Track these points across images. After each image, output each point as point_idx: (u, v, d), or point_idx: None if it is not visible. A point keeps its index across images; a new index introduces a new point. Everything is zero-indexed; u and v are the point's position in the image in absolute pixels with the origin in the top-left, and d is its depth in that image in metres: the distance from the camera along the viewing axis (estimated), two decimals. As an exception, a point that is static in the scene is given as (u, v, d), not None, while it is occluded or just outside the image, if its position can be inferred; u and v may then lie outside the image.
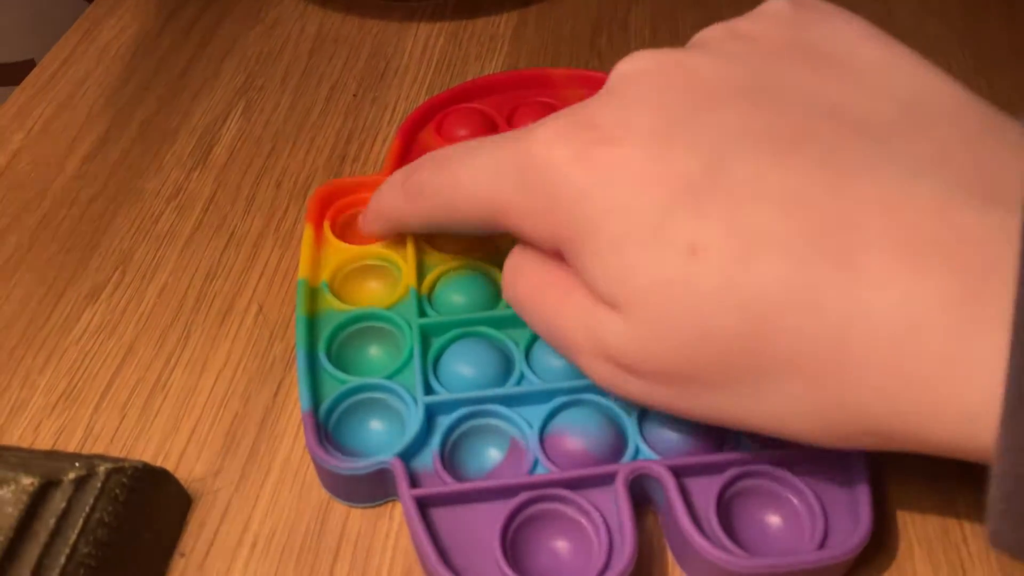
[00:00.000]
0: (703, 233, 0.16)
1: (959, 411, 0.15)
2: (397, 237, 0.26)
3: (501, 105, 0.31)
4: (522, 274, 0.20)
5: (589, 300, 0.18)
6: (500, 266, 0.25)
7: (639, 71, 0.19)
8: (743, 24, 0.20)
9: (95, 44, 0.37)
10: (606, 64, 0.34)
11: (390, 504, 0.22)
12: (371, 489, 0.21)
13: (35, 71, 0.36)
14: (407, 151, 0.29)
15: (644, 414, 0.22)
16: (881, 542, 0.21)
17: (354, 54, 0.36)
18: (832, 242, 0.16)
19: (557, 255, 0.19)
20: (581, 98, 0.31)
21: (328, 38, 0.37)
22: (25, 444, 0.23)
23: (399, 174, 0.23)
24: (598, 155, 0.18)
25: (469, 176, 0.20)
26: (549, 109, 0.31)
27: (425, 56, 0.35)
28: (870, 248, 0.15)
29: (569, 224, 0.18)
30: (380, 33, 0.37)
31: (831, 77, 0.18)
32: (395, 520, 0.21)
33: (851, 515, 0.20)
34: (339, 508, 0.22)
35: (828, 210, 0.16)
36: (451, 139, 0.29)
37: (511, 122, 0.30)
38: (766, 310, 0.16)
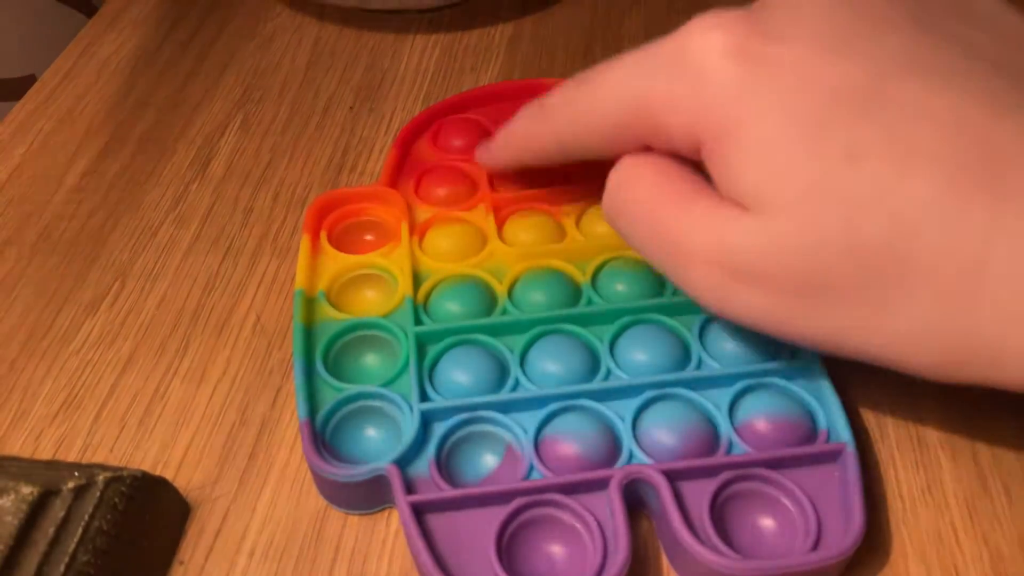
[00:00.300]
0: (863, 141, 0.17)
1: None
2: (393, 242, 0.26)
3: (496, 115, 0.31)
4: (638, 178, 0.20)
5: (720, 204, 0.18)
6: (494, 275, 0.25)
7: None
8: None
9: (95, 59, 0.37)
10: (600, 74, 0.35)
11: (387, 511, 0.22)
12: (368, 496, 0.21)
13: (36, 86, 0.36)
14: (403, 162, 0.29)
15: (637, 419, 0.22)
16: (874, 544, 0.21)
17: (350, 66, 0.36)
18: (984, 167, 0.16)
19: (690, 159, 0.19)
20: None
21: (325, 51, 0.37)
22: (26, 454, 0.23)
23: (536, 100, 0.23)
24: (763, 49, 0.18)
25: (615, 78, 0.20)
26: None
27: (421, 68, 0.36)
28: (1021, 176, 0.16)
29: (720, 118, 0.18)
30: (376, 45, 0.37)
31: (983, 31, 0.19)
32: (392, 527, 0.22)
33: (844, 517, 0.20)
34: (336, 515, 0.22)
35: (982, 137, 0.16)
36: (447, 149, 0.30)
37: None
38: (915, 222, 0.16)
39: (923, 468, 0.22)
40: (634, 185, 0.20)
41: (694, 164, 0.20)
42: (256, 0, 0.40)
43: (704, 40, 0.18)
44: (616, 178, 0.21)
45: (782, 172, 0.17)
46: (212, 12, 0.39)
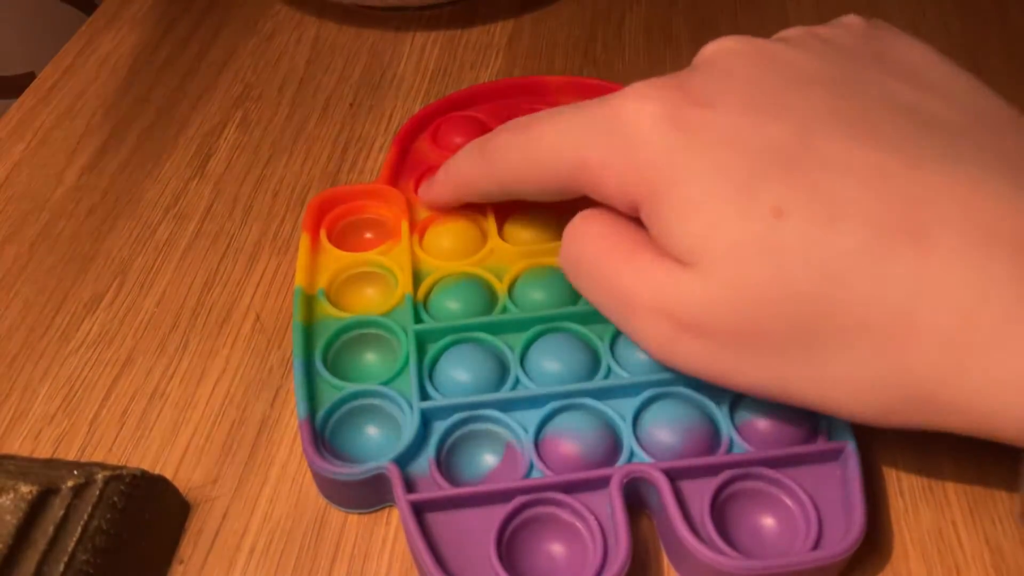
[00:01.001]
0: (788, 197, 0.17)
1: (1015, 379, 0.16)
2: (392, 240, 0.26)
3: (496, 113, 0.31)
4: (586, 235, 0.21)
5: (660, 258, 0.19)
6: (494, 273, 0.25)
7: (729, 50, 0.20)
8: (822, 29, 0.21)
9: (94, 56, 0.37)
10: (601, 72, 0.35)
11: (387, 510, 0.22)
12: (367, 495, 0.21)
13: (35, 83, 0.36)
14: (403, 159, 0.29)
15: (638, 417, 0.22)
16: (875, 542, 0.21)
17: (350, 64, 0.36)
18: (909, 217, 0.17)
19: (631, 215, 0.20)
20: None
21: (324, 48, 0.37)
22: (25, 453, 0.23)
23: (476, 142, 0.24)
24: (690, 115, 0.19)
25: (553, 133, 0.21)
26: None
27: (421, 65, 0.36)
28: (944, 226, 0.16)
29: (653, 180, 0.19)
30: (376, 43, 0.37)
31: (905, 82, 0.19)
32: (392, 526, 0.22)
33: (845, 516, 0.20)
34: (336, 515, 0.22)
35: (906, 188, 0.17)
36: (446, 147, 0.30)
37: None
38: (843, 274, 0.17)
39: (924, 466, 0.22)
40: (584, 240, 0.21)
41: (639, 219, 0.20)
42: (255, -3, 0.40)
43: (637, 108, 0.19)
44: (569, 233, 0.22)
45: (713, 228, 0.18)
46: (211, 9, 0.39)
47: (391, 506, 0.22)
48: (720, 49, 0.20)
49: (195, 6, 0.40)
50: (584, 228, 0.21)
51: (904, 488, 0.22)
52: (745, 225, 0.17)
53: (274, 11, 0.39)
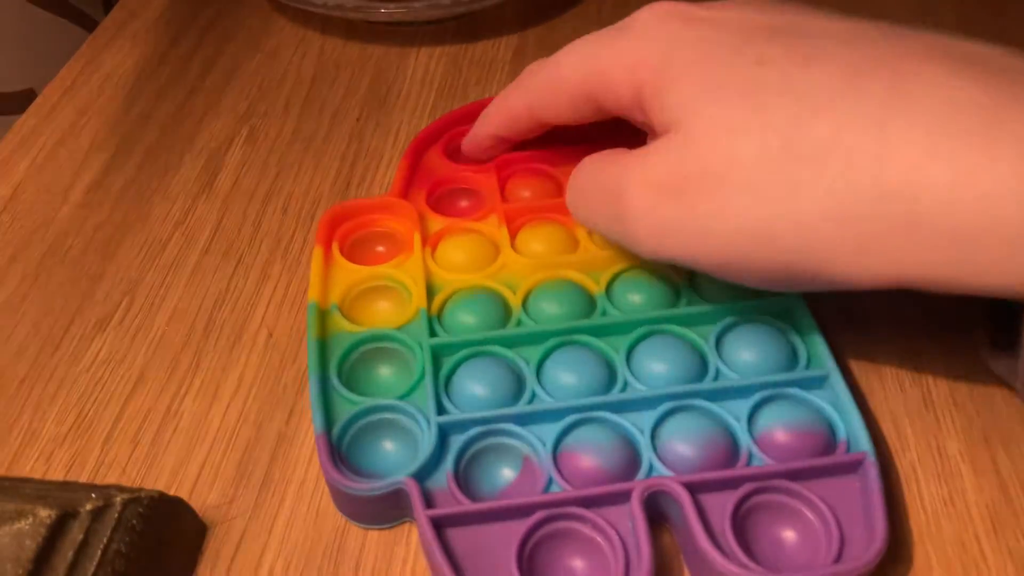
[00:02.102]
0: (771, 52, 0.19)
1: (996, 189, 0.16)
2: (405, 253, 0.26)
3: None
4: (583, 165, 0.23)
5: (648, 145, 0.21)
6: (508, 286, 0.25)
7: None
8: None
9: (97, 73, 0.37)
10: (606, 85, 0.35)
11: (406, 528, 0.22)
12: (386, 510, 0.21)
13: (38, 100, 0.36)
14: (414, 173, 0.29)
15: (656, 431, 0.22)
16: (898, 556, 0.21)
17: (356, 79, 0.36)
18: (881, 58, 0.19)
19: (633, 117, 0.23)
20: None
21: (329, 64, 0.37)
22: (37, 475, 0.23)
23: (508, 85, 0.27)
24: (694, 12, 0.21)
25: (571, 49, 0.24)
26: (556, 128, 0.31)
27: (426, 80, 0.36)
28: (916, 61, 0.18)
29: (657, 61, 0.21)
30: (381, 58, 0.37)
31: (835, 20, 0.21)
32: (411, 545, 0.21)
33: (866, 527, 0.20)
34: (355, 534, 0.22)
35: (878, 47, 0.19)
36: (458, 160, 0.30)
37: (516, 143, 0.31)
38: (816, 98, 0.18)
39: (945, 479, 0.22)
40: (585, 167, 0.23)
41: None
42: (259, 13, 0.40)
43: (647, 11, 0.22)
44: (572, 172, 0.24)
45: (701, 84, 0.20)
46: (214, 26, 0.39)
47: (409, 522, 0.22)
48: None
49: (198, 23, 0.40)
50: (582, 163, 0.24)
51: (925, 501, 0.22)
52: (729, 73, 0.20)
53: (278, 27, 0.39)
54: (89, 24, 0.45)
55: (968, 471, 0.22)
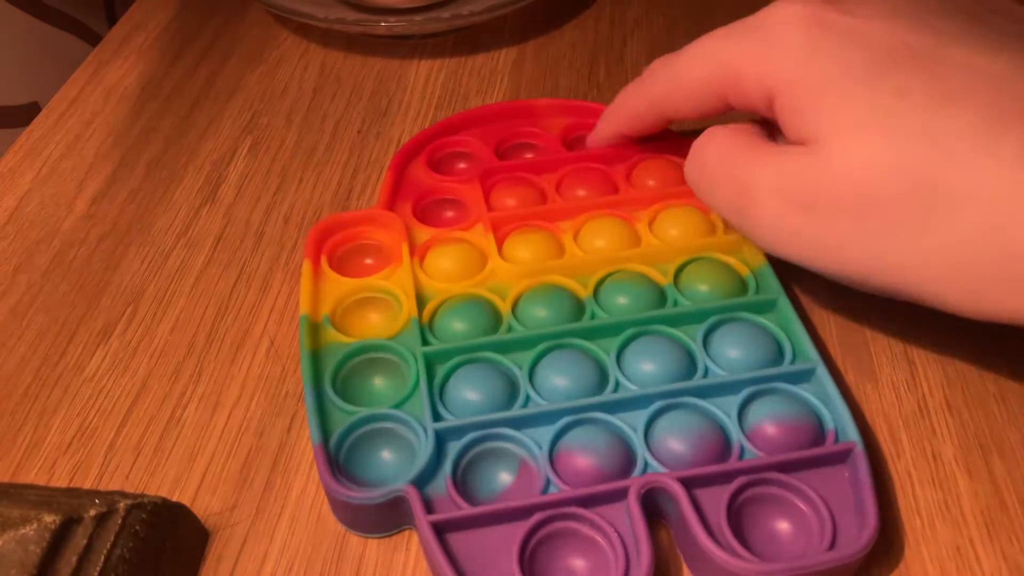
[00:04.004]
0: (910, 82, 0.19)
1: None
2: (393, 264, 0.26)
3: (487, 136, 0.32)
4: (712, 140, 0.23)
5: (784, 147, 0.21)
6: (497, 293, 0.26)
7: None
8: None
9: (102, 85, 0.37)
10: (604, 96, 0.35)
11: (406, 535, 0.22)
12: (385, 518, 0.21)
13: (43, 113, 0.36)
14: (398, 185, 0.30)
15: (649, 429, 0.22)
16: (893, 561, 0.21)
17: (357, 91, 0.36)
18: (1020, 112, 0.18)
19: (764, 115, 0.22)
20: (564, 127, 0.32)
21: (331, 76, 0.37)
22: (41, 482, 0.23)
23: (634, 80, 0.27)
24: (833, 18, 0.21)
25: (700, 45, 0.24)
26: (536, 138, 0.32)
27: (427, 92, 0.36)
28: None
29: (791, 69, 0.21)
30: (382, 70, 0.37)
31: (1010, 18, 0.22)
32: (412, 551, 0.22)
33: (857, 515, 0.20)
34: (355, 541, 0.22)
35: (1020, 93, 0.19)
36: (441, 171, 0.30)
37: (499, 153, 0.31)
38: (954, 147, 0.18)
39: (940, 484, 0.22)
40: (711, 145, 0.24)
41: (766, 133, 0.23)
42: (261, 27, 0.41)
43: (783, 11, 0.21)
44: (697, 142, 0.24)
45: (837, 105, 0.20)
46: (218, 39, 0.40)
47: (408, 529, 0.22)
48: None
49: (201, 36, 0.40)
50: (711, 136, 0.24)
51: (920, 506, 0.22)
52: (868, 102, 0.19)
53: (280, 40, 0.40)
54: (93, 38, 0.45)
55: (963, 476, 0.22)
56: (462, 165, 0.31)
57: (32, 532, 0.18)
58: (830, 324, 0.26)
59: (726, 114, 0.25)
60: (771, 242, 0.22)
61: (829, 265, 0.21)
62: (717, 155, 0.23)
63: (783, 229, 0.21)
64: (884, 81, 0.19)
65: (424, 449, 0.22)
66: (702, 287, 0.25)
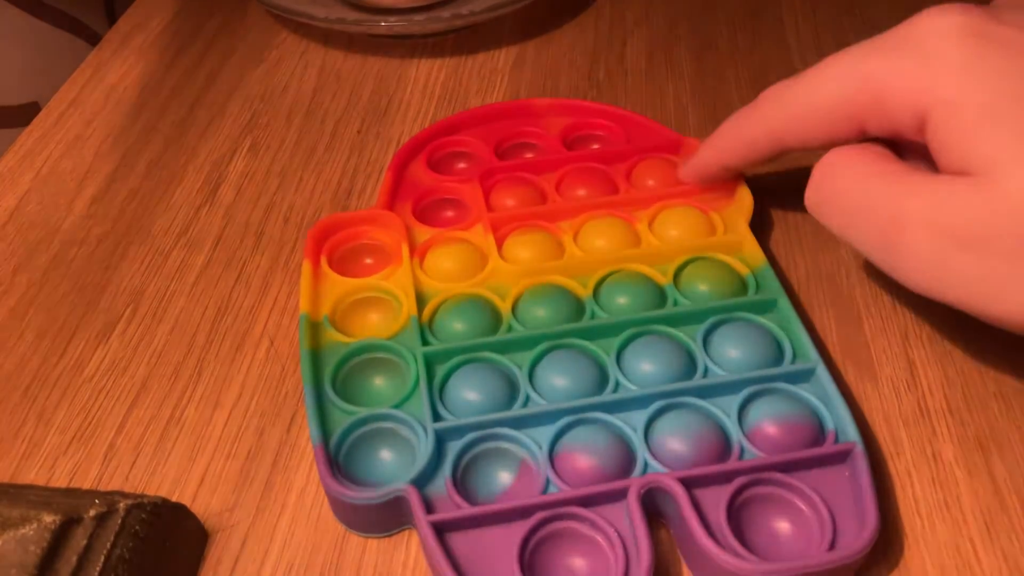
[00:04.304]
0: None
1: None
2: (393, 264, 0.26)
3: (486, 135, 0.32)
4: (844, 164, 0.21)
5: (935, 176, 0.19)
6: (497, 292, 0.25)
7: None
8: None
9: (101, 85, 0.37)
10: (604, 95, 0.35)
11: (406, 535, 0.22)
12: (385, 518, 0.21)
13: (43, 113, 0.36)
14: (398, 185, 0.30)
15: (649, 429, 0.22)
16: (893, 560, 0.21)
17: (357, 91, 0.36)
18: None
19: (909, 137, 0.20)
20: (564, 127, 0.32)
21: (331, 76, 0.37)
22: (41, 483, 0.23)
23: (745, 107, 0.24)
24: (995, 30, 0.19)
25: (839, 62, 0.21)
26: (536, 138, 0.32)
27: (427, 91, 0.36)
28: None
29: (950, 89, 0.18)
30: (382, 70, 0.37)
31: None
32: (412, 551, 0.22)
33: (857, 515, 0.20)
34: (356, 541, 0.22)
35: None
36: (441, 171, 0.30)
37: (499, 153, 0.31)
38: None
39: (939, 484, 0.22)
40: (843, 169, 0.21)
41: (895, 154, 0.21)
42: (261, 26, 0.41)
43: (934, 22, 0.19)
44: (822, 168, 0.22)
45: (1011, 133, 0.18)
46: (217, 38, 0.40)
47: (408, 529, 0.22)
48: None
49: (201, 36, 0.40)
50: (841, 158, 0.21)
51: (920, 506, 0.22)
52: None
53: (280, 39, 0.40)
54: (93, 37, 0.45)
55: (963, 476, 0.22)
56: (462, 165, 0.31)
57: (32, 532, 0.18)
58: (830, 324, 0.26)
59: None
60: (926, 282, 0.19)
61: (988, 306, 0.19)
62: (854, 182, 0.21)
63: (942, 268, 0.19)
64: None
65: (424, 449, 0.22)
66: (702, 287, 0.25)
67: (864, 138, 0.22)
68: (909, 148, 0.21)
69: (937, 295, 0.19)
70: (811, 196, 0.22)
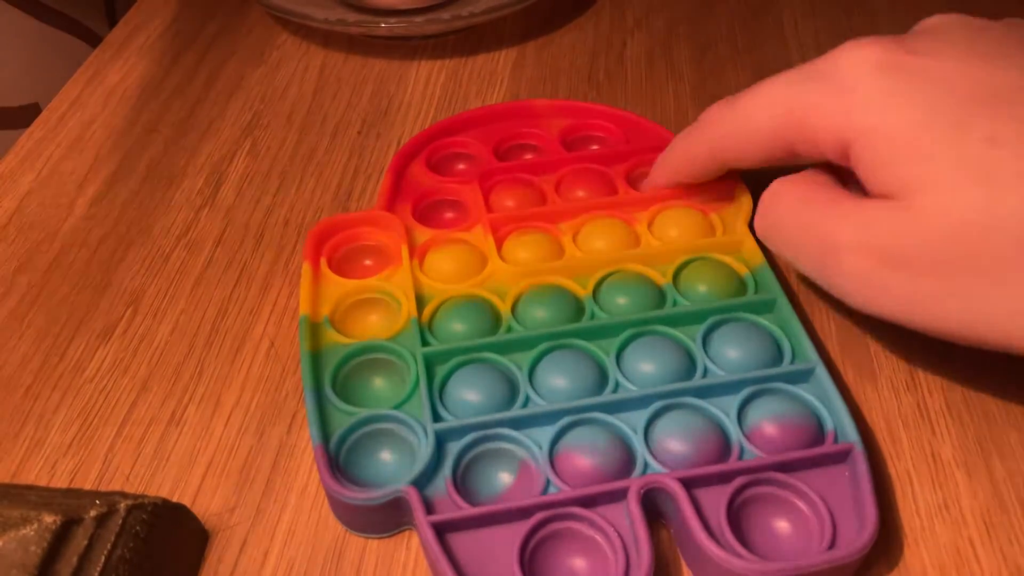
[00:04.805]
0: (1002, 129, 0.18)
1: None
2: (393, 266, 0.26)
3: (486, 137, 0.32)
4: (785, 192, 0.22)
5: (864, 200, 0.20)
6: (497, 293, 0.25)
7: (947, 19, 0.21)
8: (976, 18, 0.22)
9: (102, 87, 0.37)
10: (604, 97, 0.35)
11: (407, 535, 0.22)
12: (385, 519, 0.22)
13: (43, 114, 0.36)
14: (397, 186, 0.30)
15: (649, 429, 0.22)
16: (893, 561, 0.21)
17: (357, 92, 0.36)
18: None
19: (837, 163, 0.21)
20: (564, 127, 0.32)
21: (331, 77, 0.37)
22: (41, 483, 0.23)
23: (690, 125, 0.25)
24: (906, 61, 0.20)
25: (764, 91, 0.22)
26: (536, 138, 0.32)
27: (427, 93, 0.36)
28: None
29: (869, 118, 0.20)
30: (382, 71, 0.37)
31: None
32: (412, 551, 0.22)
33: (857, 515, 0.20)
34: (356, 541, 0.22)
35: None
36: (440, 172, 0.30)
37: (498, 154, 0.31)
38: None
39: (939, 485, 0.22)
40: (784, 197, 0.22)
41: (837, 180, 0.22)
42: (261, 28, 0.41)
43: (851, 56, 0.20)
44: (767, 196, 0.23)
45: (926, 157, 0.19)
46: (218, 40, 0.40)
47: (408, 530, 0.22)
48: (939, 19, 0.21)
49: (201, 37, 0.40)
50: (782, 188, 0.23)
51: (920, 507, 0.22)
52: (960, 153, 0.18)
53: (280, 41, 0.40)
54: (93, 39, 0.46)
55: (962, 477, 0.22)
56: (462, 166, 0.31)
57: (32, 533, 0.18)
58: (830, 324, 0.26)
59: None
60: (861, 300, 0.20)
61: (924, 320, 0.19)
62: (792, 210, 0.22)
63: (877, 289, 0.20)
64: (972, 128, 0.18)
65: (424, 450, 0.22)
66: (701, 287, 0.25)
67: (814, 161, 0.23)
68: (850, 173, 0.22)
69: (879, 314, 0.20)
70: (758, 223, 0.24)
